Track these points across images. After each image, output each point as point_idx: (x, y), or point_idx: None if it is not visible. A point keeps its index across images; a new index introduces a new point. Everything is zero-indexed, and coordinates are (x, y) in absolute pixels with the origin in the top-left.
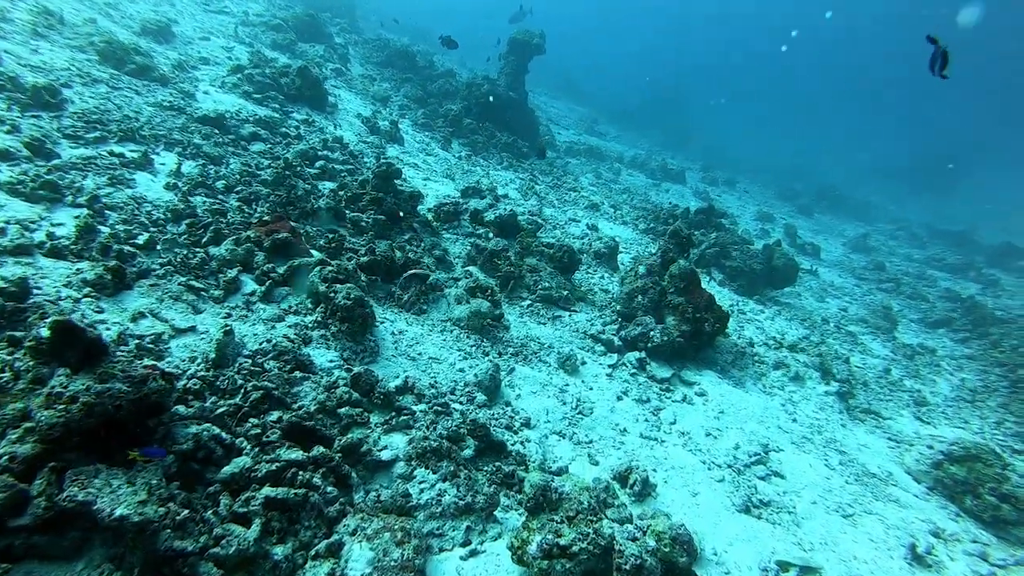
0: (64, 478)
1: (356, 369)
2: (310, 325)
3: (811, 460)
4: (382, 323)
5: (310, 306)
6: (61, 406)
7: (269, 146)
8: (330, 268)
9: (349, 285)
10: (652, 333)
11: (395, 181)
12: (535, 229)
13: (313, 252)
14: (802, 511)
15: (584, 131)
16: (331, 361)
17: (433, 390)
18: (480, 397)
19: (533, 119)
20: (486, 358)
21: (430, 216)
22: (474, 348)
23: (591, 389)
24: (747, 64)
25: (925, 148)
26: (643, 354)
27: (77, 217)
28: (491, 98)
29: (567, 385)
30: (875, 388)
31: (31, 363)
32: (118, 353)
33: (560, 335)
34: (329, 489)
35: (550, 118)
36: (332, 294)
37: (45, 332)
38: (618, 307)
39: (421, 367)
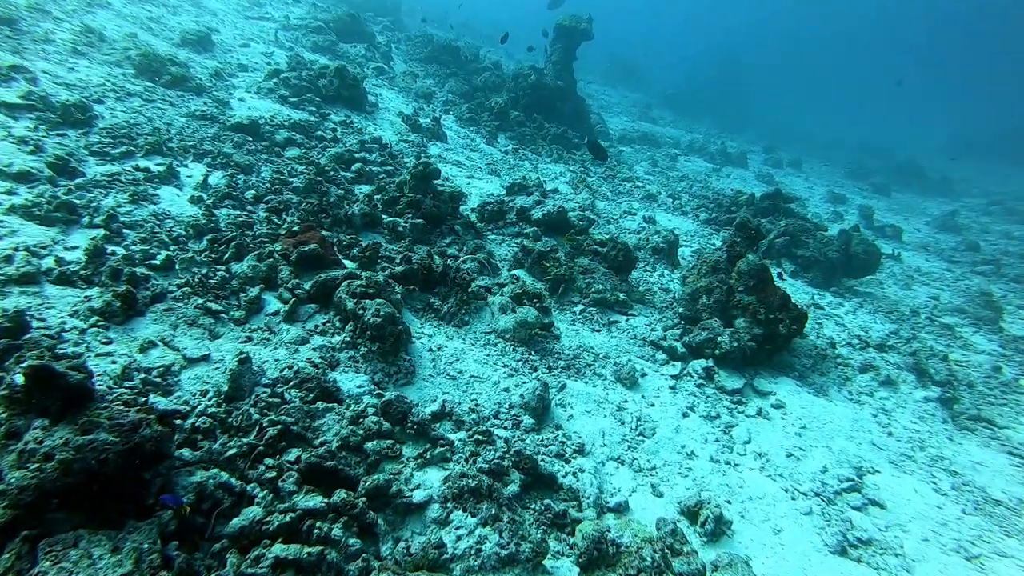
0: (38, 550)
1: (387, 395)
2: (338, 346)
3: (916, 484)
4: (419, 339)
5: (338, 324)
6: (34, 465)
7: (304, 151)
8: (359, 282)
9: (379, 300)
10: (720, 338)
11: (434, 181)
12: (586, 226)
13: (347, 263)
14: (912, 551)
15: (638, 117)
16: (360, 386)
17: (474, 415)
18: (527, 421)
19: (583, 108)
20: (534, 374)
21: (474, 217)
22: (521, 363)
23: (652, 405)
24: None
25: (1013, 118)
26: (710, 362)
27: (93, 239)
28: (535, 86)
29: (625, 401)
30: (984, 390)
31: (4, 414)
32: (113, 394)
33: (617, 343)
34: (352, 541)
35: (602, 106)
36: (361, 311)
37: (19, 378)
38: (680, 309)
39: (461, 387)
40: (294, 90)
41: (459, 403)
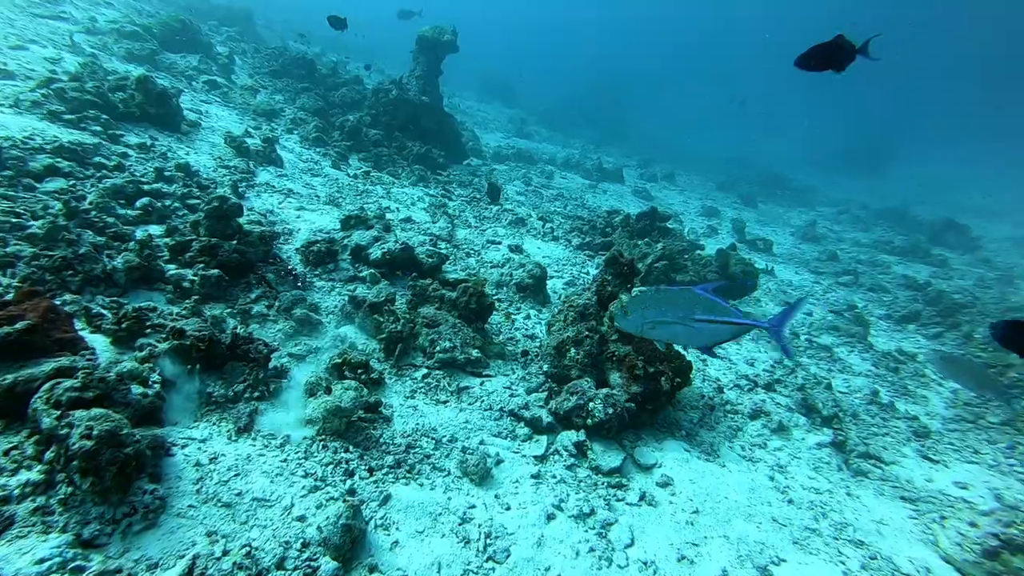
0: None
1: (92, 567)
2: (18, 493)
3: (824, 568)
4: (185, 446)
5: (30, 453)
6: None
7: (72, 183)
8: (71, 383)
9: (96, 412)
10: (592, 404)
11: (235, 220)
12: (437, 263)
13: (96, 340)
14: None
15: (514, 133)
16: (42, 560)
17: (244, 572)
18: (327, 566)
19: (452, 124)
20: (347, 484)
21: (297, 260)
22: (331, 468)
23: (508, 508)
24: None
25: (858, 132)
26: (582, 434)
27: None
28: (397, 102)
29: (473, 507)
30: (867, 419)
31: None
32: None
33: (467, 419)
34: None
35: (476, 122)
36: (64, 431)
37: None
38: (545, 366)
39: (238, 519)
40: (72, 105)
41: (224, 552)
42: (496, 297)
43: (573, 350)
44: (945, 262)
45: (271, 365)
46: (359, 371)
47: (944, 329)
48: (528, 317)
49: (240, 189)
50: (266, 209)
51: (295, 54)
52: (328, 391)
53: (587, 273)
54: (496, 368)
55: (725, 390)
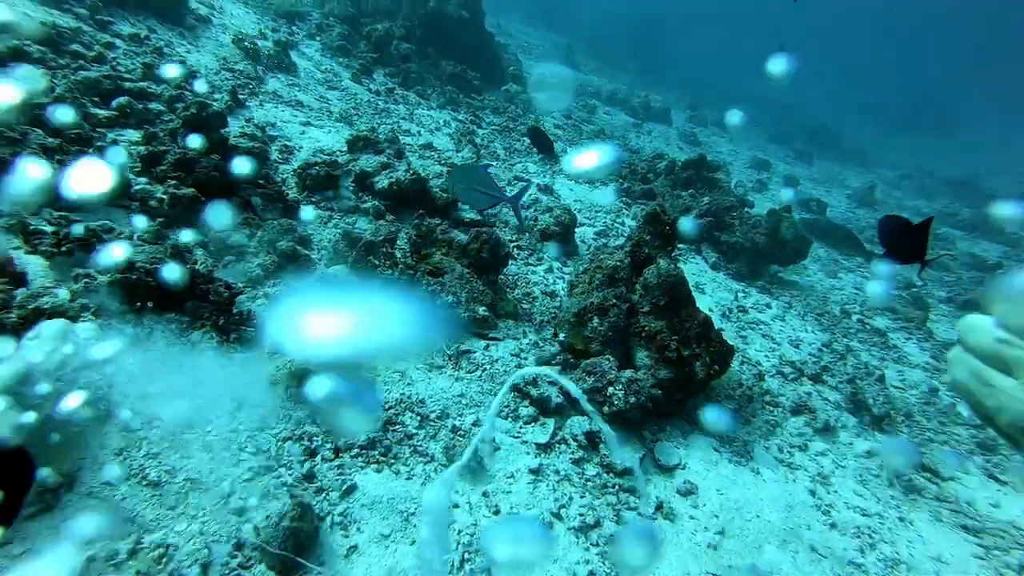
0: None
1: None
2: None
3: None
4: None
5: None
6: None
7: (44, 71)
8: None
9: None
10: (612, 390)
11: (218, 131)
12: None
13: (30, 262)
14: None
15: (559, 61)
16: None
17: None
18: None
19: (492, 45)
20: (304, 466)
21: (292, 183)
22: (289, 444)
23: (496, 512)
24: None
25: (922, 89)
26: (596, 422)
27: None
28: (434, 14)
29: (455, 507)
30: (922, 421)
31: None
32: None
33: (463, 390)
34: None
35: (520, 47)
36: None
37: None
38: (562, 335)
39: (166, 504)
40: None
41: (132, 551)
42: (516, 244)
43: (596, 319)
44: (1019, 242)
45: (237, 309)
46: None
47: None
48: (551, 270)
49: (240, 96)
50: (266, 122)
51: None
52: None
53: (622, 223)
54: (505, 330)
55: (766, 377)
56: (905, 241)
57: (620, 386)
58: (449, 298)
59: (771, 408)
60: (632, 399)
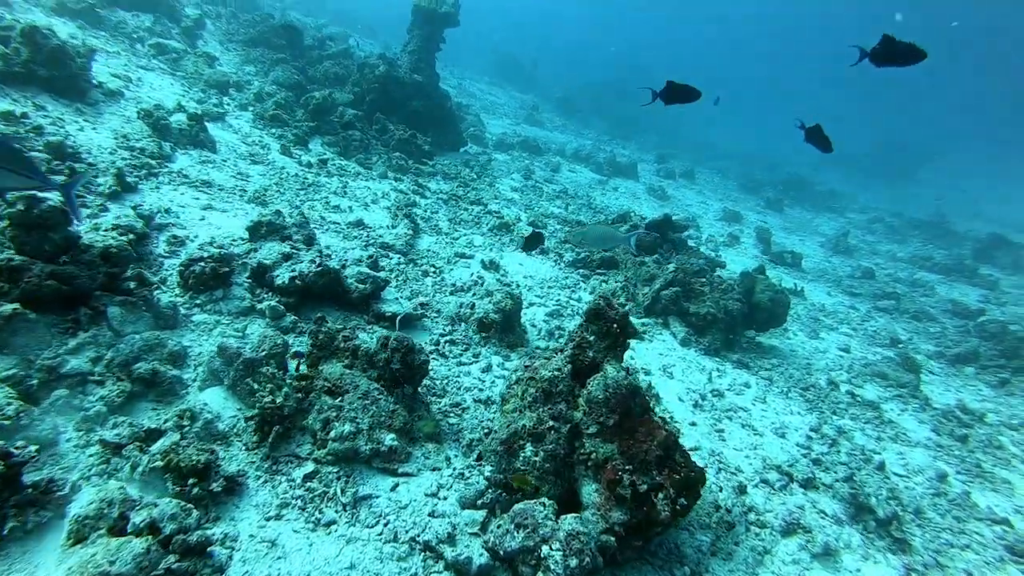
0: None
1: None
2: None
3: None
4: None
5: None
6: None
7: None
8: None
9: None
10: (548, 550)
11: (61, 231)
12: (371, 289)
13: None
14: None
15: (523, 120)
16: None
17: None
18: None
19: (447, 106)
20: None
21: (174, 281)
22: None
23: None
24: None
25: (884, 135)
26: None
27: None
28: (385, 79)
29: None
30: (935, 519)
31: None
32: None
33: (354, 560)
34: None
35: (484, 106)
36: None
37: None
38: (488, 468)
39: None
40: None
41: None
42: (448, 339)
43: (530, 448)
44: (996, 284)
45: (40, 478)
46: (191, 480)
47: (1010, 375)
48: (488, 368)
49: (131, 179)
50: (158, 208)
51: (278, 22)
52: (116, 531)
53: (578, 300)
54: (423, 457)
55: (749, 488)
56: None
57: (557, 544)
58: (345, 427)
59: (757, 530)
60: (573, 561)
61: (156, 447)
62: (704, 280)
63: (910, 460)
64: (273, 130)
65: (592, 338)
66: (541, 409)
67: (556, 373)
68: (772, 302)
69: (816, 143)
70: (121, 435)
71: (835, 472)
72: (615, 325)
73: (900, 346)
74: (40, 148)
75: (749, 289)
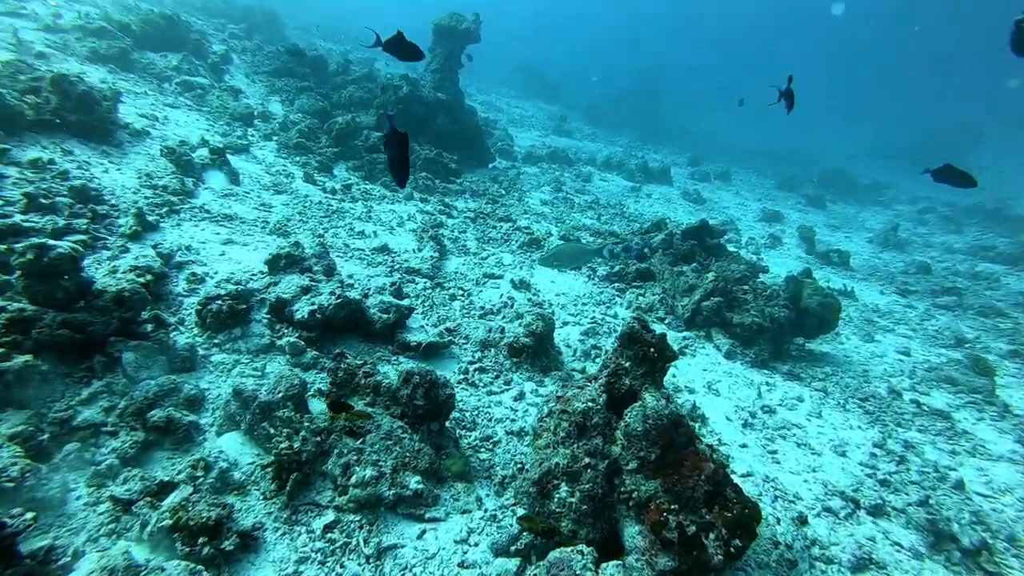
0: None
1: None
2: None
3: None
4: None
5: None
6: None
7: None
8: None
9: None
10: None
11: (74, 276)
12: (394, 320)
13: None
14: None
15: (551, 131)
16: None
17: None
18: None
19: (473, 123)
20: None
21: (192, 320)
22: None
23: None
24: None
25: (932, 122)
26: None
27: None
28: (408, 100)
29: None
30: None
31: None
32: None
33: None
34: None
35: (512, 120)
36: None
37: None
38: (521, 507)
39: None
40: None
41: None
42: (478, 366)
43: (565, 488)
44: None
45: (40, 546)
46: (201, 539)
47: None
48: (520, 396)
49: (152, 217)
50: (179, 245)
51: (287, 46)
52: None
53: (614, 316)
54: (452, 499)
55: (810, 517)
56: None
57: None
58: (366, 472)
59: (823, 567)
60: None
61: (166, 503)
62: (747, 287)
63: (994, 477)
64: (297, 158)
65: (628, 364)
66: (575, 445)
67: (590, 404)
68: (821, 307)
69: (951, 180)
70: (132, 490)
71: (907, 494)
72: (652, 349)
73: (967, 346)
74: (64, 193)
75: (796, 294)
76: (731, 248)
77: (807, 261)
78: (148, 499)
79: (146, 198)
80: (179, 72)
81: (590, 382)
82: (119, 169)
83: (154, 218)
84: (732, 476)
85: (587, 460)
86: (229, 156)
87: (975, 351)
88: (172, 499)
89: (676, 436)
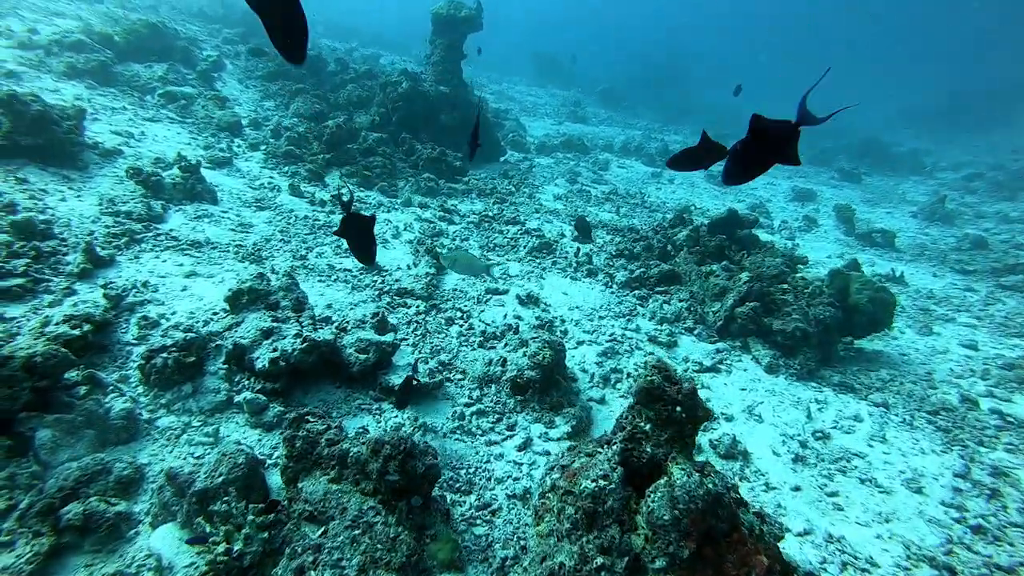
0: None
1: None
2: None
3: None
4: None
5: None
6: None
7: None
8: None
9: None
10: None
11: None
12: (373, 361)
13: None
14: None
15: (565, 118)
16: None
17: None
18: None
19: (481, 116)
20: None
21: (134, 375)
22: None
23: None
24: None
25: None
26: None
27: None
28: (409, 96)
29: None
30: None
31: None
32: None
33: None
34: None
35: (524, 108)
36: None
37: None
38: None
39: None
40: None
41: None
42: (476, 409)
43: None
44: None
45: None
46: None
47: None
48: (526, 444)
49: (109, 250)
50: (135, 281)
51: None
52: None
53: (636, 330)
54: None
55: None
56: None
57: None
58: (326, 574)
59: None
60: None
61: None
62: (785, 285)
63: None
64: (286, 168)
65: (648, 427)
66: (584, 538)
67: (602, 483)
68: (873, 303)
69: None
70: None
71: (1011, 544)
72: (678, 408)
73: None
74: (6, 229)
75: (842, 290)
76: (763, 236)
77: (847, 244)
78: None
79: (105, 227)
80: (164, 83)
81: (601, 448)
82: (79, 196)
83: (109, 252)
84: (788, 534)
85: (600, 560)
86: (209, 171)
87: None
88: None
89: (715, 523)
